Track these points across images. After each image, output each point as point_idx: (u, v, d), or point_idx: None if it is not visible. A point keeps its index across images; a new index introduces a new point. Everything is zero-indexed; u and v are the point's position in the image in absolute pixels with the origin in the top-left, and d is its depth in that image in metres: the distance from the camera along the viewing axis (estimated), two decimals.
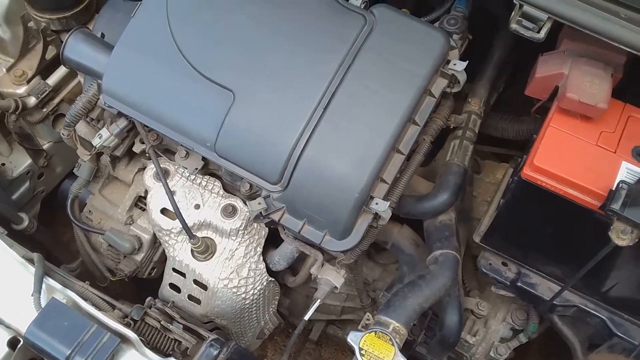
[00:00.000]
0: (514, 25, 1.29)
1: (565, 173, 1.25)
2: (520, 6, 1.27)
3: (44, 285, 1.32)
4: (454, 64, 1.41)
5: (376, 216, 1.36)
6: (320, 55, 1.39)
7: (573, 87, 1.29)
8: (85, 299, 1.33)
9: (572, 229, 1.35)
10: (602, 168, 1.25)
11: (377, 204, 1.33)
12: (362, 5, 1.45)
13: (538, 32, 1.28)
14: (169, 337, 1.35)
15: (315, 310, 1.52)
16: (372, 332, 1.27)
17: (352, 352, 1.28)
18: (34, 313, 1.26)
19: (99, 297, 1.37)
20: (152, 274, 1.77)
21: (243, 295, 1.58)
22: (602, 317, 1.48)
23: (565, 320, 1.55)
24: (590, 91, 1.28)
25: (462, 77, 1.42)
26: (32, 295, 1.29)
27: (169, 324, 1.34)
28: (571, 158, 1.27)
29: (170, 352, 1.35)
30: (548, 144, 1.29)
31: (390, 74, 1.37)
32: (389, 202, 1.34)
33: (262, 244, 1.59)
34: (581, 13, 1.24)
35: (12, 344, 1.28)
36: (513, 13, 1.29)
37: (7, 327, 1.30)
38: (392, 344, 1.25)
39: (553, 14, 1.26)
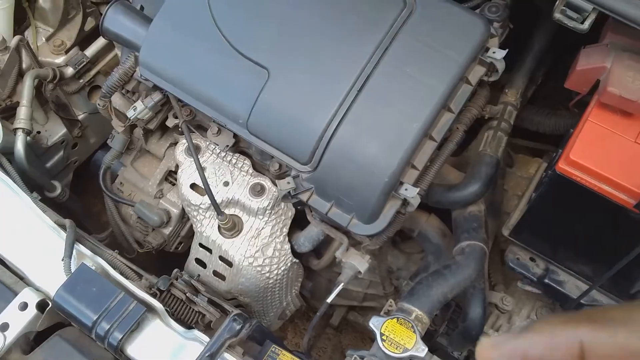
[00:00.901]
0: (557, 15, 1.26)
1: (602, 169, 1.22)
2: None
3: (74, 251, 1.35)
4: (493, 52, 1.38)
5: (404, 202, 1.34)
6: (357, 36, 1.38)
7: (615, 82, 1.25)
8: (114, 267, 1.35)
9: (604, 226, 1.32)
10: None
11: (406, 189, 1.32)
12: None
13: (582, 22, 1.25)
14: (193, 309, 1.37)
15: (337, 296, 1.52)
16: (394, 318, 1.27)
17: (372, 339, 1.28)
18: (64, 277, 1.29)
19: (127, 266, 1.40)
20: (179, 249, 1.79)
21: (267, 275, 1.59)
22: None
23: None
24: (633, 86, 1.24)
25: (501, 66, 1.39)
26: (62, 260, 1.32)
27: (194, 296, 1.36)
28: (608, 154, 1.24)
29: (194, 325, 1.36)
30: (585, 138, 1.26)
31: (427, 59, 1.35)
32: (418, 189, 1.33)
33: (289, 225, 1.60)
34: (627, 5, 1.20)
35: (41, 306, 1.31)
36: (557, 2, 1.26)
37: (37, 289, 1.33)
38: (414, 332, 1.25)
39: (598, 5, 1.22)
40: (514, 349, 0.35)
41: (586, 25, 1.24)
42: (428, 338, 1.70)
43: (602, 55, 1.32)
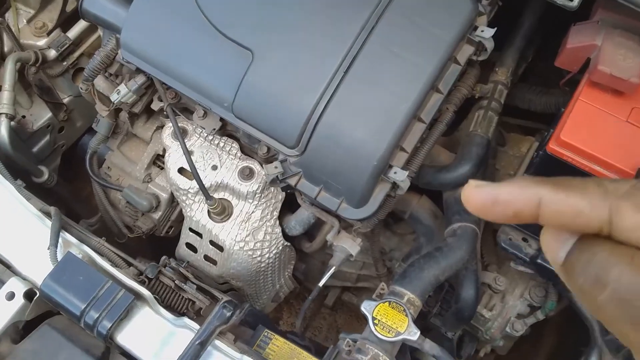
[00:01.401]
0: None
1: (593, 149, 1.21)
2: None
3: (60, 239, 1.33)
4: (482, 31, 1.35)
5: (394, 185, 1.33)
6: (342, 16, 1.34)
7: (605, 60, 1.23)
8: (101, 255, 1.34)
9: None
10: (632, 145, 1.20)
11: (395, 173, 1.30)
12: None
13: (571, 0, 1.23)
14: (182, 296, 1.36)
15: (331, 277, 1.51)
16: (386, 302, 1.27)
17: (366, 319, 1.27)
18: (50, 266, 1.27)
19: (115, 253, 1.38)
20: (170, 233, 1.78)
21: (259, 259, 1.58)
22: None
23: None
24: (624, 64, 1.22)
25: (490, 45, 1.37)
26: (48, 248, 1.31)
27: (182, 284, 1.35)
28: (600, 134, 1.22)
29: (184, 312, 1.36)
30: (576, 118, 1.25)
31: (415, 38, 1.32)
32: (407, 172, 1.31)
33: (279, 208, 1.58)
34: None
35: (29, 295, 1.30)
36: None
37: (24, 279, 1.32)
38: (406, 315, 1.24)
39: None
40: (490, 191, 0.43)
41: (576, 2, 1.22)
42: (421, 318, 1.70)
43: (593, 33, 1.29)
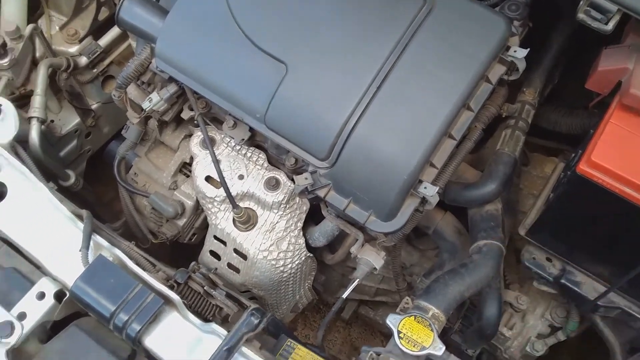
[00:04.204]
0: (581, 15, 1.25)
1: (623, 171, 1.22)
2: None
3: (91, 242, 1.35)
4: (514, 51, 1.38)
5: (423, 200, 1.34)
6: (376, 33, 1.37)
7: (638, 84, 1.24)
8: (130, 259, 1.35)
9: (624, 229, 1.31)
10: None
11: (425, 188, 1.32)
12: None
13: (606, 23, 1.24)
14: (210, 302, 1.37)
15: None
16: (411, 316, 1.27)
17: (382, 333, 1.27)
18: (81, 268, 1.29)
19: (144, 257, 1.40)
20: (193, 240, 1.80)
21: (281, 268, 1.59)
22: None
23: (607, 322, 1.52)
24: None
25: (522, 65, 1.39)
26: (80, 250, 1.32)
27: (212, 290, 1.36)
28: (630, 156, 1.23)
29: (211, 318, 1.37)
30: (607, 140, 1.25)
31: (447, 57, 1.34)
32: (437, 187, 1.33)
33: (303, 219, 1.60)
34: None
35: (59, 296, 1.31)
36: (581, 2, 1.25)
37: (54, 279, 1.34)
38: (431, 330, 1.25)
39: (623, 6, 1.22)
40: None
41: (610, 26, 1.23)
42: (442, 335, 1.69)
43: (624, 57, 1.31)
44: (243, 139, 1.53)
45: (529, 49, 1.37)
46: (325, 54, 1.38)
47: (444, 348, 1.23)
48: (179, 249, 1.86)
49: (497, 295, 1.51)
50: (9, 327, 1.24)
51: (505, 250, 1.50)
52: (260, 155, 1.59)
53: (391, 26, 1.37)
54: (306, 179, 1.38)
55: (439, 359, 1.24)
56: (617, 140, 1.25)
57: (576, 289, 1.48)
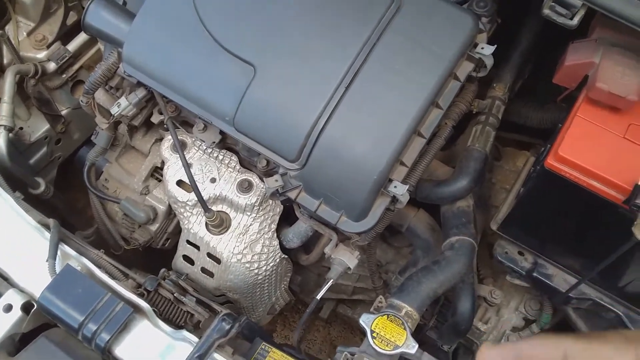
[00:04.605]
0: (546, 11, 1.25)
1: (590, 165, 1.22)
2: None
3: (59, 252, 1.33)
4: (482, 48, 1.38)
5: (394, 199, 1.34)
6: (344, 33, 1.36)
7: (603, 77, 1.25)
8: (99, 267, 1.33)
9: (593, 222, 1.32)
10: (629, 161, 1.22)
11: (395, 187, 1.31)
12: None
13: (571, 18, 1.25)
14: (181, 309, 1.36)
15: (327, 289, 1.51)
16: (384, 315, 1.27)
17: (361, 332, 1.27)
18: (48, 279, 1.27)
19: (114, 265, 1.38)
20: (166, 245, 1.78)
21: (256, 271, 1.58)
22: (618, 312, 1.46)
23: (579, 313, 1.54)
24: (621, 82, 1.24)
25: (489, 62, 1.39)
26: (46, 260, 1.30)
27: (182, 297, 1.35)
28: (597, 150, 1.24)
29: (183, 324, 1.35)
30: (574, 134, 1.26)
31: (415, 56, 1.34)
32: (407, 186, 1.32)
33: (277, 221, 1.59)
34: (616, 1, 1.20)
35: (26, 308, 1.29)
36: None
37: (22, 291, 1.31)
38: (404, 328, 1.25)
39: (587, 1, 1.22)
40: (510, 349, 0.44)
41: (575, 21, 1.24)
42: (417, 332, 1.70)
43: (591, 51, 1.31)
44: (214, 142, 1.52)
45: (495, 46, 1.37)
46: (294, 56, 1.37)
47: (416, 346, 1.22)
48: (153, 255, 1.84)
49: (471, 290, 1.52)
50: None
51: (478, 246, 1.50)
52: (232, 158, 1.57)
53: (359, 26, 1.36)
54: (276, 181, 1.37)
55: (412, 357, 1.25)
56: (584, 134, 1.26)
57: (548, 282, 1.49)
